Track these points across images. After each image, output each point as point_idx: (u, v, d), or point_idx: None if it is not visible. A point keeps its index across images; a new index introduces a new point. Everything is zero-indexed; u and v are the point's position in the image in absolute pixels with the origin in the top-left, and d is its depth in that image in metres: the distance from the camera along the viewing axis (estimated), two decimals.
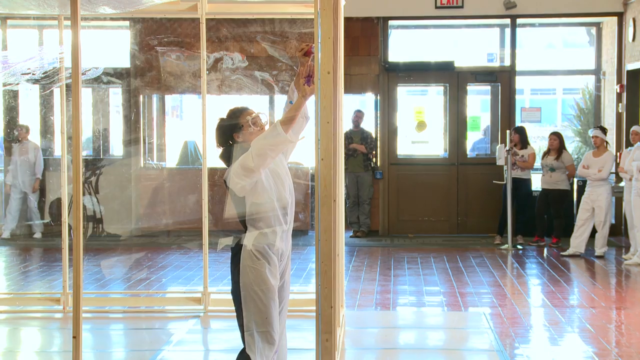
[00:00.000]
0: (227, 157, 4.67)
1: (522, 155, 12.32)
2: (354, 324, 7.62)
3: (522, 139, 12.46)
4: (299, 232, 12.72)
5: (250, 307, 4.53)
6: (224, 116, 4.77)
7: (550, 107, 19.39)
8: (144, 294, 8.88)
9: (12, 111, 13.62)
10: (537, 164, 12.94)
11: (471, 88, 13.85)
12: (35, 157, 13.01)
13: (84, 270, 9.37)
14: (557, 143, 12.18)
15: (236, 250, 4.61)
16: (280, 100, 13.38)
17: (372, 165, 13.38)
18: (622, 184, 11.66)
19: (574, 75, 15.17)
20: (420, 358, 6.69)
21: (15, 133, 13.23)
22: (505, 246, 11.98)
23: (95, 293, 8.97)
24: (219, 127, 4.75)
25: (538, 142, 15.62)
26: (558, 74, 15.34)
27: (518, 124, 13.39)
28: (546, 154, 12.32)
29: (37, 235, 13.00)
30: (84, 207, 12.27)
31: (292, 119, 4.43)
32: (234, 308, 4.69)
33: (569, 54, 16.48)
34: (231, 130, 4.67)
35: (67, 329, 7.26)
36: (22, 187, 12.99)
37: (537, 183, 12.90)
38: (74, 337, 4.57)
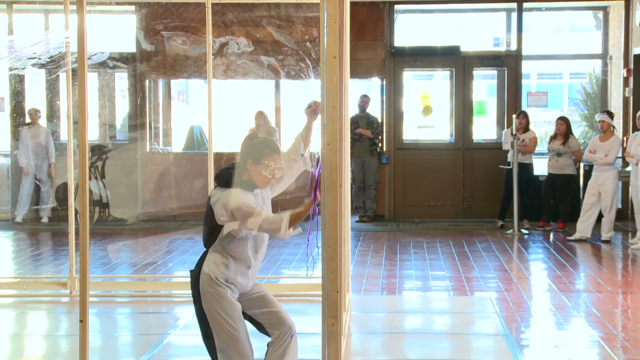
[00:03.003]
0: (222, 182, 4.53)
1: (523, 140, 12.28)
2: (360, 308, 7.64)
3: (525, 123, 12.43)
4: (304, 218, 12.71)
5: (219, 330, 4.50)
6: (258, 134, 4.67)
7: (557, 91, 19.33)
8: (151, 278, 8.90)
9: (18, 96, 13.63)
10: (542, 148, 12.89)
11: (477, 72, 13.81)
12: (46, 141, 13.03)
13: (91, 254, 9.39)
14: (563, 128, 12.14)
15: (196, 273, 4.55)
16: (286, 85, 13.40)
17: (378, 150, 13.36)
18: (628, 168, 11.63)
19: (581, 59, 15.12)
20: (426, 342, 6.70)
21: (27, 118, 13.24)
22: (511, 231, 11.98)
23: (102, 277, 9.00)
24: (244, 144, 4.59)
25: (544, 126, 15.58)
26: (565, 58, 15.28)
27: (524, 108, 13.34)
28: (553, 138, 12.28)
29: (45, 219, 13.04)
30: (90, 191, 12.29)
31: (299, 219, 4.54)
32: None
33: (575, 38, 16.41)
34: (250, 156, 4.52)
35: (74, 313, 7.29)
36: (34, 172, 13.03)
37: (542, 168, 12.87)
38: (80, 321, 4.58)
